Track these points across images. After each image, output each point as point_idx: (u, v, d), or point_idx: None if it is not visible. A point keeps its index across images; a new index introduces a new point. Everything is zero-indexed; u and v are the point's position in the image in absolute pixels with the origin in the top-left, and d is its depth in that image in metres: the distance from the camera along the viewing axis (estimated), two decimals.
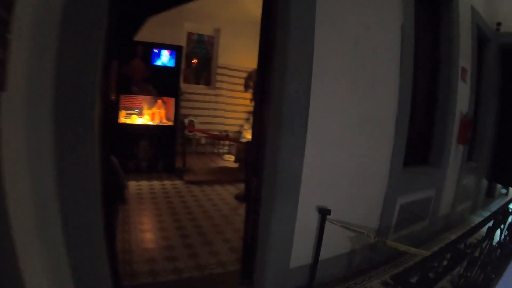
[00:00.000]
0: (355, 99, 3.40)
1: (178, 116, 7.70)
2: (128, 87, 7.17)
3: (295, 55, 2.78)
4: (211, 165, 8.51)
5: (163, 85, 7.44)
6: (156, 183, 6.64)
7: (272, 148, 2.91)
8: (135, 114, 7.62)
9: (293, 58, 2.77)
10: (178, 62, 7.47)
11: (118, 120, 7.18)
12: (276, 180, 2.89)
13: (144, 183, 6.58)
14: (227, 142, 10.13)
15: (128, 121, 7.42)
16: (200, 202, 5.69)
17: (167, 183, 6.73)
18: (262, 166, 3.05)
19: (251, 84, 8.93)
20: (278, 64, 2.85)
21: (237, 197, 6.07)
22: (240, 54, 10.03)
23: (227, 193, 6.39)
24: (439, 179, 5.12)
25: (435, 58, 5.03)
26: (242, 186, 6.66)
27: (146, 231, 4.40)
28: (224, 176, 7.37)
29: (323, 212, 3.08)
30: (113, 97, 6.41)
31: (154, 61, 7.29)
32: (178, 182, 6.82)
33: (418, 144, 4.94)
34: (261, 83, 3.05)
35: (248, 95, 9.73)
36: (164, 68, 7.39)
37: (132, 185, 6.40)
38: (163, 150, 7.54)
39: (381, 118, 3.78)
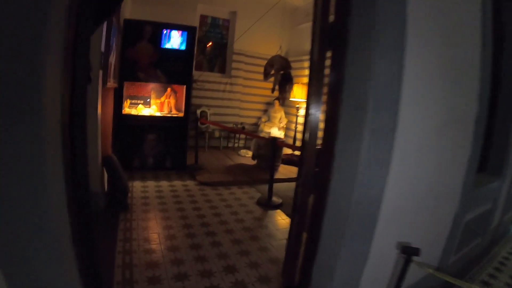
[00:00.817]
0: (444, 90, 2.41)
1: (189, 107, 6.73)
2: (133, 73, 6.22)
3: (385, 17, 1.78)
4: (226, 161, 7.56)
5: (173, 71, 6.46)
6: (164, 184, 5.70)
7: (345, 156, 1.93)
8: (141, 104, 6.68)
9: (382, 22, 1.77)
10: (190, 45, 6.47)
11: (122, 111, 6.24)
12: (349, 204, 1.91)
13: (151, 184, 5.65)
14: (242, 136, 9.16)
15: (133, 112, 6.48)
16: (216, 210, 4.74)
17: (177, 183, 5.79)
18: (325, 180, 2.06)
19: (272, 72, 7.91)
20: (360, 32, 1.86)
21: (260, 203, 5.11)
22: (258, 40, 9.05)
23: (247, 197, 5.43)
24: (497, 189, 4.21)
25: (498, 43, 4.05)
26: (263, 188, 5.73)
27: (152, 252, 3.45)
28: (242, 176, 6.42)
29: (408, 251, 2.09)
30: (113, 83, 5.47)
31: (163, 43, 6.30)
32: (189, 183, 5.87)
33: None
34: (321, 61, 2.07)
35: (268, 84, 8.73)
36: (174, 51, 6.39)
37: (137, 186, 5.47)
38: (172, 145, 6.61)
39: (464, 117, 2.81)
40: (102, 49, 4.21)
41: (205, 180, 5.93)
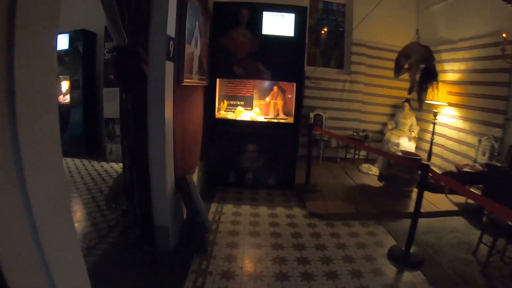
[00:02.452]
0: None
1: (301, 110, 5.21)
2: (228, 67, 4.93)
3: None
4: (345, 180, 5.87)
5: (279, 64, 4.96)
6: (263, 212, 4.30)
7: None
8: (241, 105, 5.41)
9: None
10: (300, 30, 4.92)
11: (215, 114, 5.02)
12: None
13: (245, 210, 4.30)
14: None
15: (230, 116, 5.21)
16: (330, 266, 3.12)
17: (280, 212, 4.32)
18: None
19: (406, 66, 5.98)
20: None
21: (392, 257, 3.34)
22: (383, 26, 7.12)
23: (373, 242, 3.69)
24: None
25: None
26: (396, 227, 4.02)
27: None
28: (365, 204, 4.67)
29: None
30: (198, 80, 4.22)
31: (265, 29, 4.89)
32: (296, 212, 4.35)
33: None
34: None
35: (396, 82, 6.87)
36: (280, 39, 4.90)
37: (227, 213, 4.18)
38: (278, 158, 5.16)
39: None
40: (171, 34, 2.98)
41: (318, 210, 4.33)
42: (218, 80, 5.06)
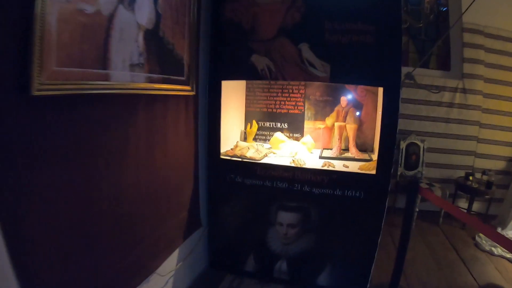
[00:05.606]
0: None
1: (394, 144, 2.36)
2: (242, 58, 2.39)
3: None
4: (454, 270, 3.11)
5: (346, 49, 2.26)
6: None
7: None
8: (281, 132, 3.07)
9: None
10: None
11: (219, 151, 2.62)
12: None
13: None
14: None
15: (252, 154, 2.75)
16: None
17: None
18: None
19: None
20: None
21: None
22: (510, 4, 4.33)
23: None
24: None
25: None
26: None
27: None
28: None
29: None
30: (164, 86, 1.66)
31: None
32: None
33: None
34: None
35: None
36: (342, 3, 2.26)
37: None
38: (340, 242, 2.49)
39: None
40: None
41: None
42: (224, 82, 2.51)
